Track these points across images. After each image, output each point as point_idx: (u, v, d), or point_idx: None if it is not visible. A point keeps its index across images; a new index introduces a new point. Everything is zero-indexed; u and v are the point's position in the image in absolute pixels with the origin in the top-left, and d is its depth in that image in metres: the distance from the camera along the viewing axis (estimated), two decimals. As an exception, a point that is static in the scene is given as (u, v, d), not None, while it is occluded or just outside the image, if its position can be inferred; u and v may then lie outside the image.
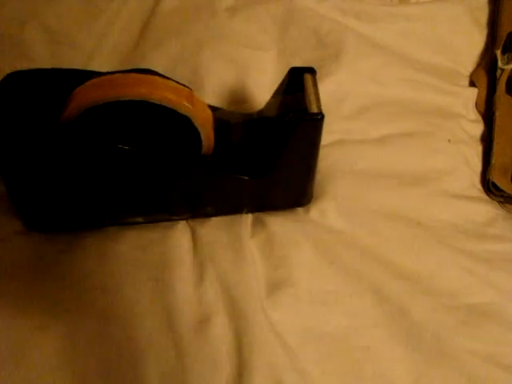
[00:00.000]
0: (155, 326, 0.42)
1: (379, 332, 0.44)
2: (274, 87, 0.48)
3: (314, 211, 0.50)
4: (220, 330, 0.42)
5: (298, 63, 0.47)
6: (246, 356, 0.41)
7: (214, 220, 0.48)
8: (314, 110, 0.42)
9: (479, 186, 0.55)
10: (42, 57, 0.58)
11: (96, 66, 0.57)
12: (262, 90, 0.56)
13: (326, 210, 0.50)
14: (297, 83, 0.43)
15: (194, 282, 0.45)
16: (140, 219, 0.47)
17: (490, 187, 0.53)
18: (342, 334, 0.43)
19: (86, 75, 0.41)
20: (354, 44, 0.61)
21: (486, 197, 0.54)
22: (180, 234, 0.47)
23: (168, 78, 0.40)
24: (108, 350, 0.41)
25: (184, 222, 0.48)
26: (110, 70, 0.49)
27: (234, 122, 0.47)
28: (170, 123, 0.40)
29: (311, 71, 0.44)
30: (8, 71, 0.43)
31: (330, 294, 0.45)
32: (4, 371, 0.40)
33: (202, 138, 0.41)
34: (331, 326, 0.44)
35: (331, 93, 0.56)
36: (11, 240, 0.47)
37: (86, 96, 0.39)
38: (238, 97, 0.57)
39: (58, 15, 0.62)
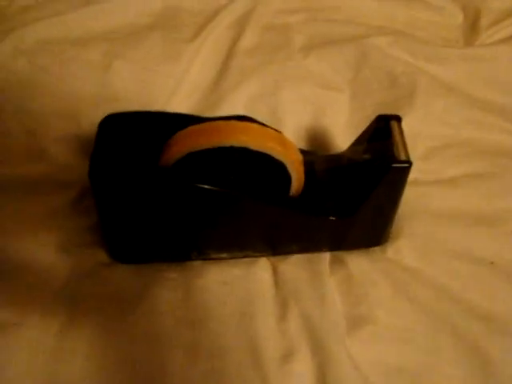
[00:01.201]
0: (241, 360, 0.43)
1: (456, 371, 0.44)
2: (349, 127, 0.49)
3: (391, 250, 0.50)
4: (303, 365, 0.43)
5: (371, 104, 0.48)
6: (329, 392, 0.41)
7: (294, 257, 0.49)
8: (402, 157, 0.43)
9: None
10: (126, 92, 0.60)
11: (176, 104, 0.59)
12: (338, 130, 0.57)
13: (401, 249, 0.50)
14: (383, 130, 0.45)
15: (277, 317, 0.45)
16: (225, 255, 0.48)
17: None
18: (419, 370, 0.44)
19: (185, 119, 0.43)
20: (425, 85, 0.62)
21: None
22: (262, 271, 0.48)
23: (263, 125, 0.42)
24: (196, 381, 0.42)
25: (265, 258, 0.49)
26: (189, 108, 0.51)
27: (318, 164, 0.48)
28: (263, 167, 0.42)
29: (397, 119, 0.46)
30: (97, 111, 0.45)
31: (407, 331, 0.46)
32: None
33: (293, 181, 0.43)
34: (409, 362, 0.44)
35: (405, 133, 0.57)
36: (99, 272, 0.48)
37: (188, 141, 0.40)
38: (316, 137, 0.58)
39: (140, 55, 0.64)
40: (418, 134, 0.58)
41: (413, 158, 0.44)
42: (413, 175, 0.54)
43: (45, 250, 0.49)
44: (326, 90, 0.62)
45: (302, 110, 0.60)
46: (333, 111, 0.60)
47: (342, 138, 0.51)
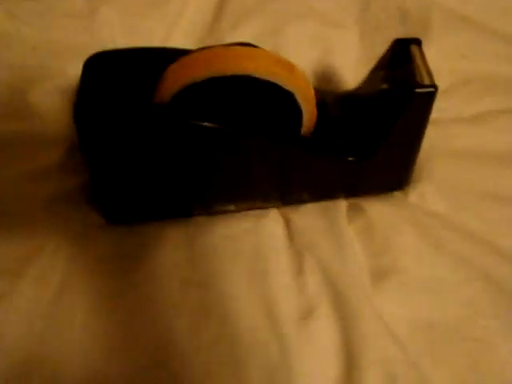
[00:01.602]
0: (255, 322, 0.40)
1: (493, 322, 0.41)
2: (359, 66, 0.45)
3: (413, 194, 0.47)
4: (325, 323, 0.40)
5: (381, 41, 0.45)
6: (354, 351, 0.38)
7: (307, 206, 0.46)
8: (426, 81, 0.39)
9: None
10: (115, 40, 0.56)
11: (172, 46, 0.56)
12: (348, 68, 0.54)
13: (425, 193, 0.47)
14: (402, 55, 0.41)
15: (292, 273, 0.42)
16: (231, 207, 0.45)
17: None
18: (452, 324, 0.41)
19: (178, 53, 0.38)
20: (440, 19, 0.59)
21: None
22: (273, 222, 0.45)
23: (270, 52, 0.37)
24: (207, 347, 0.39)
25: (275, 209, 0.46)
26: (190, 48, 0.47)
27: (330, 101, 0.44)
28: (270, 100, 0.38)
29: (417, 42, 0.41)
30: (82, 57, 0.41)
31: (438, 281, 0.43)
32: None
33: (304, 114, 0.39)
34: (441, 315, 0.41)
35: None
36: (91, 234, 0.45)
37: (183, 73, 0.36)
38: (324, 76, 0.54)
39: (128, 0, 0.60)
40: (435, 70, 0.54)
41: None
42: (433, 114, 0.50)
43: (32, 213, 0.46)
44: (332, 28, 0.59)
45: (308, 49, 0.57)
46: (341, 50, 0.57)
47: (352, 77, 0.48)
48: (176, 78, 0.36)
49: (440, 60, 0.55)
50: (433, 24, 0.58)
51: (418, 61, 0.41)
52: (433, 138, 0.50)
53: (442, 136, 0.51)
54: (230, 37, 0.57)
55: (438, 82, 0.54)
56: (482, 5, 0.62)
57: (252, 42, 0.54)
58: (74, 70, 0.42)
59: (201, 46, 0.55)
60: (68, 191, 0.47)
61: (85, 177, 0.46)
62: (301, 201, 0.46)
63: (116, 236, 0.45)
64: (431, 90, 0.39)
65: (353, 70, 0.54)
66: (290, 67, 0.37)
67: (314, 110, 0.39)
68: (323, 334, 0.39)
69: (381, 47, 0.45)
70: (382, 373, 0.37)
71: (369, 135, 0.42)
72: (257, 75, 0.36)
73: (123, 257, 0.44)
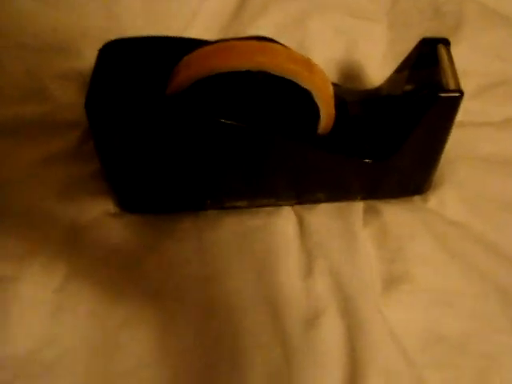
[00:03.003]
0: (260, 322, 0.39)
1: (505, 338, 0.39)
2: (386, 61, 0.44)
3: (433, 200, 0.45)
4: (331, 328, 0.38)
5: (411, 36, 0.43)
6: (359, 359, 0.37)
7: (323, 206, 0.45)
8: (452, 86, 0.37)
9: None
10: (135, 25, 0.55)
11: (194, 35, 0.54)
12: (374, 64, 0.52)
13: (445, 200, 0.45)
14: (429, 56, 0.39)
15: (301, 274, 0.41)
16: (243, 203, 0.44)
17: None
18: (463, 338, 0.39)
19: (194, 43, 0.37)
20: (475, 15, 0.56)
21: None
22: (285, 221, 0.44)
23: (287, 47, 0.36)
24: (208, 345, 0.38)
25: (289, 207, 0.45)
26: (209, 39, 0.46)
27: (351, 100, 0.42)
28: (286, 97, 0.37)
29: (445, 43, 0.40)
30: (101, 41, 0.41)
31: (451, 292, 0.41)
32: (98, 363, 0.38)
33: (322, 114, 0.38)
34: (452, 328, 0.40)
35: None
36: (104, 222, 0.44)
37: (197, 65, 0.35)
38: (348, 71, 0.53)
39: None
40: (465, 70, 0.51)
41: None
42: (459, 116, 0.49)
43: (45, 198, 0.46)
44: (359, 20, 0.57)
45: (333, 41, 0.55)
46: (367, 43, 0.55)
47: (378, 72, 0.46)
48: (189, 71, 0.35)
49: (472, 59, 0.54)
50: (466, 21, 0.56)
51: (445, 63, 0.39)
52: (458, 141, 0.48)
53: (468, 140, 0.49)
54: (252, 26, 0.56)
55: (467, 82, 0.52)
56: (520, 1, 0.59)
57: (275, 32, 0.53)
58: (91, 54, 0.41)
59: (222, 34, 0.55)
60: (81, 177, 0.47)
61: (98, 163, 0.44)
62: (316, 200, 0.44)
63: (128, 225, 0.44)
64: (456, 94, 0.37)
65: (378, 65, 0.52)
66: (308, 65, 0.35)
67: (332, 110, 0.38)
68: (328, 340, 0.38)
69: (409, 43, 0.43)
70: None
71: (389, 137, 0.41)
72: (272, 71, 0.35)
73: (134, 247, 0.43)
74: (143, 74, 0.38)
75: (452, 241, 0.43)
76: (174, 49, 0.38)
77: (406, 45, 0.44)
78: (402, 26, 0.57)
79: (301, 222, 0.44)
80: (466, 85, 0.52)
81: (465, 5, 0.57)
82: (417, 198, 0.46)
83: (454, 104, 0.38)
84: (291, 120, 0.38)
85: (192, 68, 0.35)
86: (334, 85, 0.41)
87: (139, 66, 0.39)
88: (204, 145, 0.38)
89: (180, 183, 0.42)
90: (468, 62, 0.53)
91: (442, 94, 0.37)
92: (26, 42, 0.53)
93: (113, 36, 0.43)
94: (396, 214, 0.44)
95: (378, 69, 0.46)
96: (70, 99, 0.51)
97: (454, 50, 0.52)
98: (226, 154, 0.39)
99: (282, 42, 0.52)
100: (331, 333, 0.38)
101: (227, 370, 0.37)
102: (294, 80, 0.35)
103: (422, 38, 0.41)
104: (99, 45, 0.41)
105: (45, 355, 0.38)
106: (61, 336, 0.38)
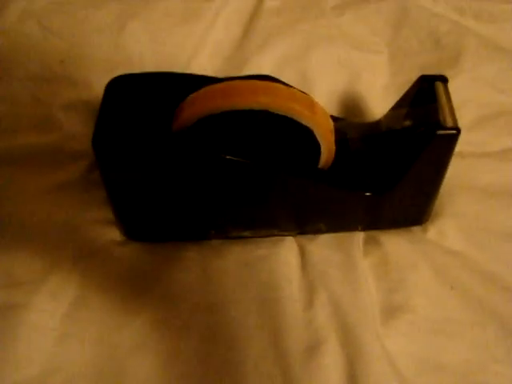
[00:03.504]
0: (261, 351, 0.39)
1: (502, 368, 0.39)
2: (388, 92, 0.44)
3: (432, 230, 0.46)
4: (331, 358, 0.39)
5: (412, 67, 0.44)
6: (359, 389, 0.37)
7: (324, 237, 0.45)
8: (449, 123, 0.38)
9: None
10: (142, 57, 0.56)
11: (197, 66, 0.55)
12: (375, 96, 0.52)
13: (445, 230, 0.46)
14: (427, 93, 0.40)
15: (303, 304, 0.41)
16: (247, 233, 0.44)
17: None
18: (462, 367, 0.39)
19: (199, 80, 0.38)
20: (474, 47, 0.57)
21: None
22: (288, 251, 0.44)
23: (289, 86, 0.37)
24: (211, 372, 0.39)
25: (291, 238, 0.45)
26: (212, 71, 0.47)
27: (351, 134, 0.43)
28: (288, 134, 0.38)
29: (443, 80, 0.40)
30: (108, 71, 0.42)
31: (450, 322, 0.41)
32: None
33: (322, 150, 0.38)
34: (451, 358, 0.40)
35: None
36: (110, 251, 0.45)
37: (202, 104, 0.36)
38: (350, 102, 0.53)
39: (157, 16, 0.60)
40: (464, 101, 0.53)
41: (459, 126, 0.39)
42: (458, 147, 0.49)
43: (53, 226, 0.46)
44: (361, 52, 0.58)
45: (335, 73, 0.55)
46: (369, 75, 0.56)
47: (379, 104, 0.46)
48: (194, 109, 0.36)
49: (471, 90, 0.55)
50: (466, 52, 0.57)
51: (443, 100, 0.39)
52: (457, 171, 0.48)
53: (467, 170, 0.49)
54: (255, 57, 0.56)
55: (466, 112, 0.53)
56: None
57: (278, 64, 0.54)
58: (99, 85, 0.42)
59: (226, 64, 0.56)
60: (88, 206, 0.47)
61: (105, 192, 0.45)
62: (317, 231, 0.45)
63: (133, 254, 0.45)
64: (453, 132, 0.38)
65: (380, 97, 0.53)
66: (309, 103, 0.36)
67: (333, 146, 0.39)
68: (328, 370, 0.38)
69: (410, 74, 0.44)
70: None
71: (389, 171, 0.41)
72: (274, 110, 0.35)
73: (140, 275, 0.44)
74: (149, 110, 0.39)
75: (451, 271, 0.44)
76: (180, 85, 0.39)
77: (407, 76, 0.45)
78: (403, 57, 0.57)
79: (303, 253, 0.44)
80: (465, 115, 0.53)
81: (464, 37, 0.58)
82: (416, 229, 0.46)
83: (451, 140, 0.38)
84: (293, 155, 0.39)
85: (197, 106, 0.36)
86: (336, 118, 0.42)
87: (145, 102, 0.40)
88: (209, 179, 0.39)
89: (185, 214, 0.43)
90: (467, 93, 0.54)
91: (440, 132, 0.38)
92: (35, 71, 0.54)
93: (120, 66, 0.45)
94: (396, 244, 0.45)
95: (379, 100, 0.47)
96: (77, 129, 0.52)
97: (453, 81, 0.53)
98: (230, 188, 0.40)
99: (285, 73, 0.53)
100: (331, 362, 0.38)
101: None
102: (296, 118, 0.36)
103: (420, 75, 0.41)
104: (106, 75, 0.42)
105: (52, 381, 0.38)
106: (68, 362, 0.39)
